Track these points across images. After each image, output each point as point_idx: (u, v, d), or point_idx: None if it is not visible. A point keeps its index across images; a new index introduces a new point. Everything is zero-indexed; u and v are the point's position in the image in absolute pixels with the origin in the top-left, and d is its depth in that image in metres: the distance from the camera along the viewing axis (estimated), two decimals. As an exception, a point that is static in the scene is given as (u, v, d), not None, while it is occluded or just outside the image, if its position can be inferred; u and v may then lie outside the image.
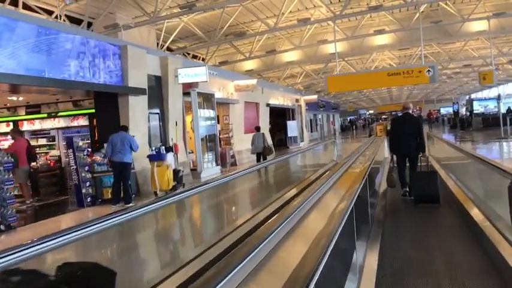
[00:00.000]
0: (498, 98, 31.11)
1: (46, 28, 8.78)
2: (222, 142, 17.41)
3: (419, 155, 8.30)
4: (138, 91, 11.39)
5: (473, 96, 53.00)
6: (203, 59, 26.17)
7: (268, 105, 23.66)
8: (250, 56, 25.98)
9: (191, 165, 14.50)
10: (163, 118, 13.15)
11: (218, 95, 16.71)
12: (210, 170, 14.70)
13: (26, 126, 14.23)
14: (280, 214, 3.92)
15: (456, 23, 22.45)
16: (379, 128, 32.69)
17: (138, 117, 11.67)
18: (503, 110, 28.62)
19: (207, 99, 15.45)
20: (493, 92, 48.30)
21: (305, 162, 18.05)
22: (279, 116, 27.67)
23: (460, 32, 24.09)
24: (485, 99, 42.25)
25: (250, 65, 29.49)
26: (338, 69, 21.05)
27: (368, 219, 6.08)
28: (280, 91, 27.31)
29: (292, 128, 27.67)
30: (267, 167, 12.61)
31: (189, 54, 26.88)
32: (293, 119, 28.74)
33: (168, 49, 23.74)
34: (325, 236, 2.84)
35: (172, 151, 11.43)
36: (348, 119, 68.54)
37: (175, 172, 11.05)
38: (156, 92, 12.94)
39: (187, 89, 14.09)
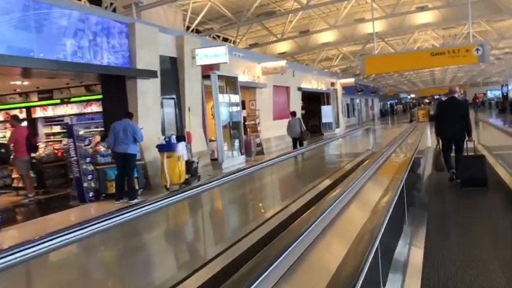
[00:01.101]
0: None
1: (35, 1, 7.71)
2: (248, 129, 16.16)
3: (466, 139, 8.12)
4: (147, 73, 10.23)
5: (524, 78, 49.54)
6: (234, 42, 24.95)
7: (300, 89, 22.18)
8: (283, 37, 24.58)
9: (215, 155, 13.36)
10: (179, 104, 11.99)
11: (243, 78, 15.42)
12: (233, 159, 13.52)
13: (38, 113, 13.54)
14: (313, 210, 4.15)
15: (509, -3, 20.29)
16: (421, 113, 31.27)
17: (149, 103, 10.56)
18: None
19: (230, 83, 14.20)
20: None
21: (340, 150, 16.82)
22: (313, 101, 26.26)
23: (513, 7, 21.83)
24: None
25: (283, 47, 28.15)
26: (376, 50, 19.35)
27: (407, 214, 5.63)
28: (314, 74, 25.72)
29: (326, 113, 26.34)
30: (290, 158, 11.42)
31: (219, 37, 25.74)
32: (328, 103, 27.21)
33: (197, 31, 22.66)
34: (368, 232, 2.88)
35: (185, 140, 10.28)
36: (388, 103, 65.89)
37: (189, 164, 9.94)
38: (171, 75, 11.77)
39: (207, 71, 12.86)
